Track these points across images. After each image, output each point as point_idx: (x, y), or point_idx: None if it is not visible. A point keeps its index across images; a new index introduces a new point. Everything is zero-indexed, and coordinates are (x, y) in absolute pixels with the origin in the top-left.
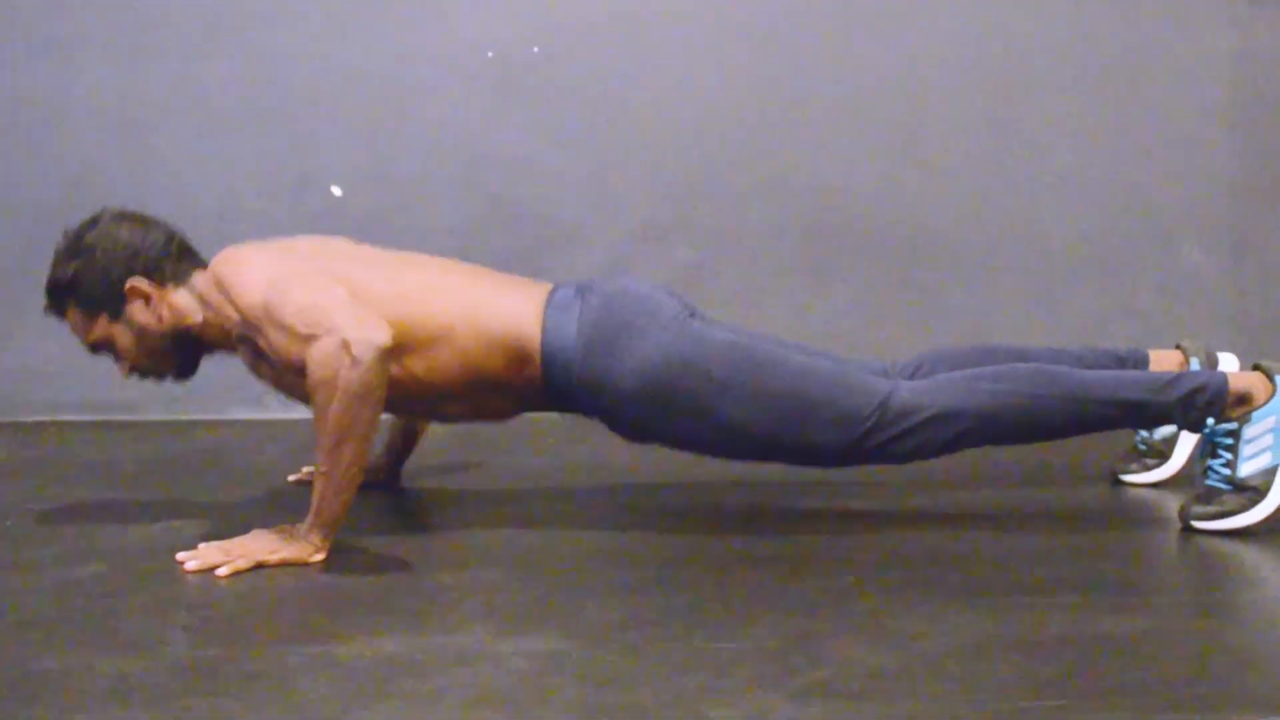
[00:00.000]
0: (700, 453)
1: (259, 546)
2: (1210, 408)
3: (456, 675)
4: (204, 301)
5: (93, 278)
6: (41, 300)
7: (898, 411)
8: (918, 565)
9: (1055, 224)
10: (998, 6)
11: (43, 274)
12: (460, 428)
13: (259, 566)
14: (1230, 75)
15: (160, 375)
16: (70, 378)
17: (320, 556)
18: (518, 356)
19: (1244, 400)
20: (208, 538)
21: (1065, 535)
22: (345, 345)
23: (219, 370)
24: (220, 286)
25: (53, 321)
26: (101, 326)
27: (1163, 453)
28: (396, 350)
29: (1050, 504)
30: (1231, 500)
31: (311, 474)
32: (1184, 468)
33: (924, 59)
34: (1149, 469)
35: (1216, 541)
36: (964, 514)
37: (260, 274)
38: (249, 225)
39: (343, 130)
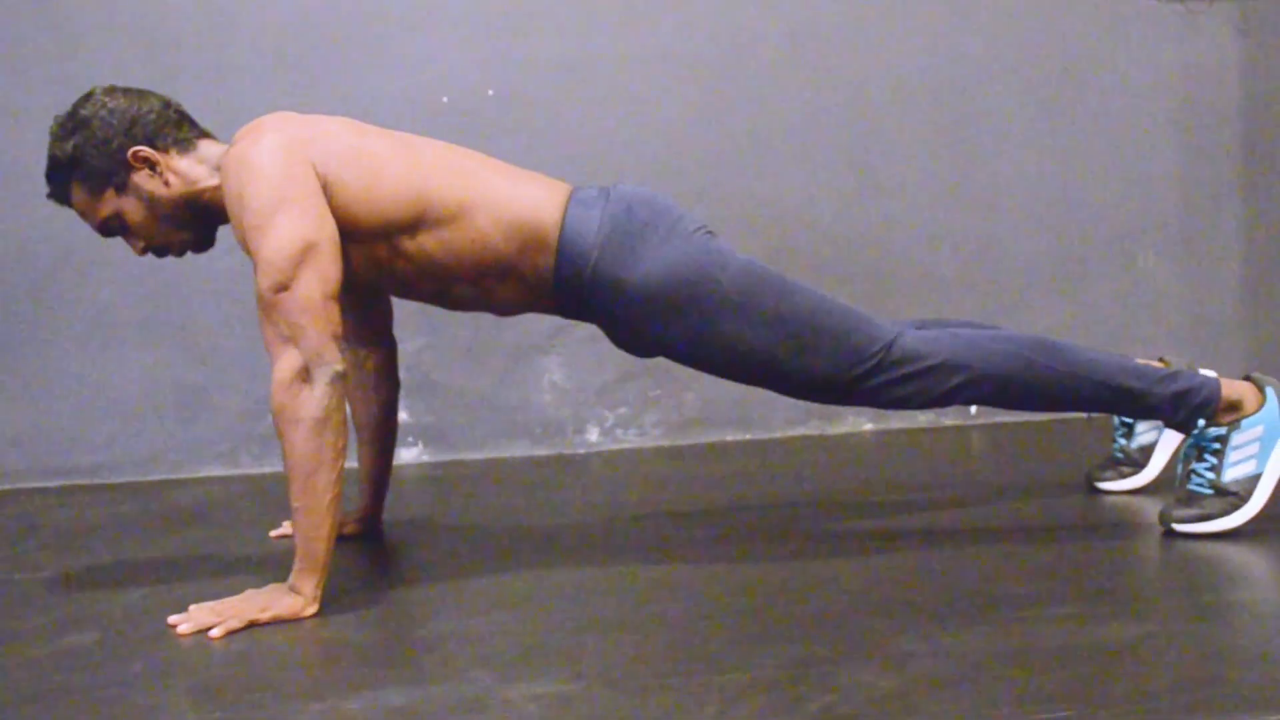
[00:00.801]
0: (695, 366)
1: (250, 606)
2: (1202, 410)
3: None
4: (222, 175)
5: (94, 150)
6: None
7: (900, 355)
8: (907, 584)
9: (1013, 239)
10: (948, 29)
11: None
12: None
13: (251, 625)
14: (1176, 86)
15: (177, 250)
16: (31, 443)
17: (313, 610)
18: (534, 244)
19: (1234, 407)
20: (196, 598)
21: (1049, 546)
22: (304, 371)
23: (188, 431)
24: (234, 187)
25: (6, 387)
26: (110, 202)
27: (1139, 461)
28: (413, 224)
29: (1030, 514)
30: (1213, 504)
31: None
32: (1159, 476)
33: (876, 84)
34: (1125, 477)
35: (1199, 545)
36: (945, 529)
37: (269, 202)
38: (205, 278)
39: None
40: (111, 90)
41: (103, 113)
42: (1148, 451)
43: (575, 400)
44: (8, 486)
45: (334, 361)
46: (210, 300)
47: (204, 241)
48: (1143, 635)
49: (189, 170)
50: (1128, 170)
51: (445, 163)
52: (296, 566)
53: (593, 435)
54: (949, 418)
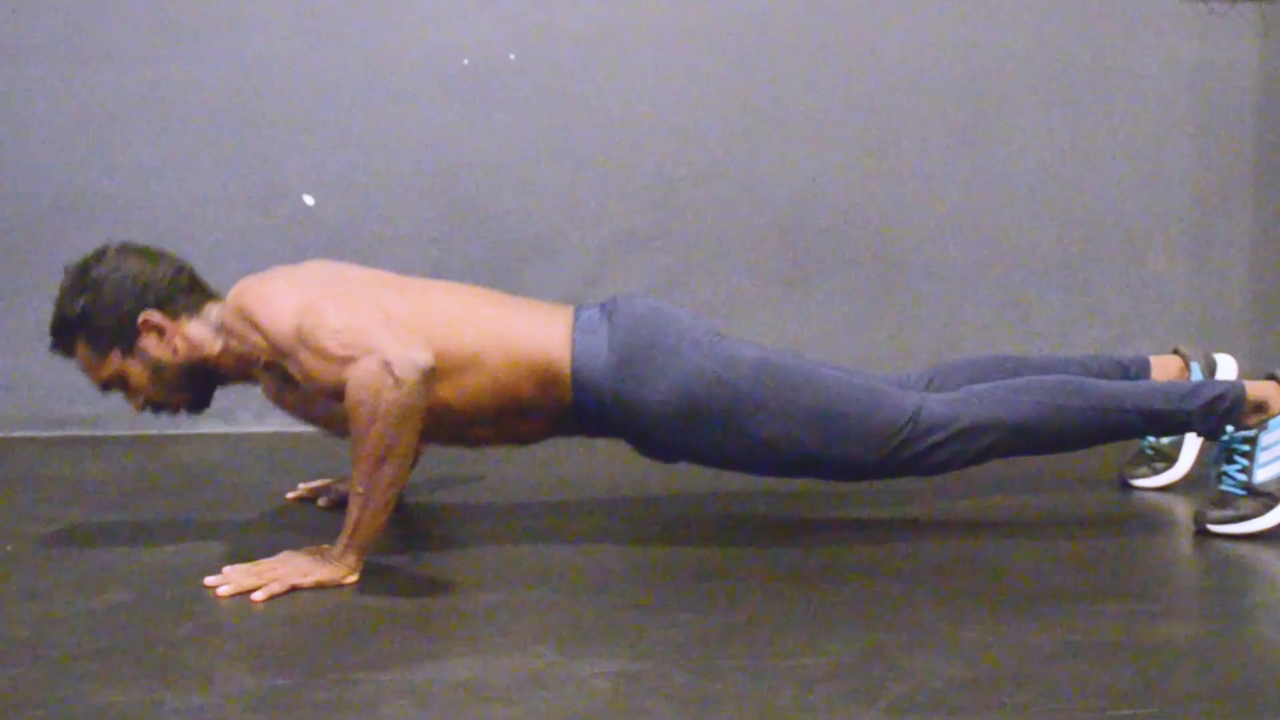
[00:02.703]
0: (731, 469)
1: (292, 569)
2: (1229, 415)
3: (541, 699)
4: (226, 331)
5: (103, 312)
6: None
7: (929, 425)
8: (958, 574)
9: (1025, 232)
10: (968, 21)
11: None
12: None
13: (293, 590)
14: (1191, 84)
15: (174, 409)
16: (25, 391)
17: (354, 579)
18: (548, 380)
19: (1260, 408)
20: (222, 559)
21: (1091, 541)
22: (387, 365)
23: None
24: (244, 315)
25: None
26: (113, 363)
27: (1171, 456)
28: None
29: (1068, 510)
30: (1247, 505)
31: (314, 490)
32: (1191, 470)
33: (896, 72)
34: (1158, 473)
35: (1235, 545)
36: (987, 522)
37: (288, 300)
38: (219, 234)
39: (314, 138)
40: (125, 250)
41: (115, 275)
42: (1178, 445)
43: None
44: (2, 434)
45: (422, 357)
46: (213, 250)
47: (201, 403)
48: (1200, 635)
49: (197, 336)
50: (1140, 167)
51: (452, 310)
52: (344, 540)
53: None
54: None
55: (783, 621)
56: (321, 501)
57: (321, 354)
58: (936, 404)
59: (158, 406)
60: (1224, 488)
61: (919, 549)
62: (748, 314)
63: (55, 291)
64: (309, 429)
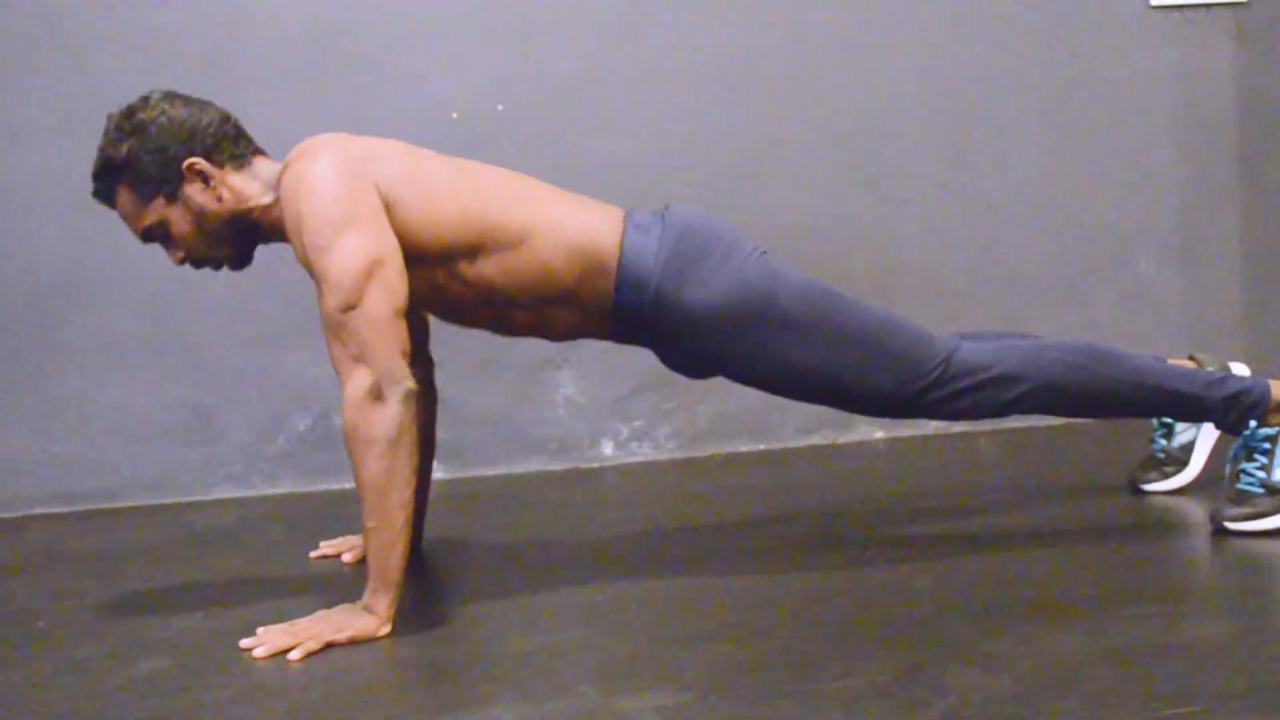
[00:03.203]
0: (756, 385)
1: (326, 626)
2: (1252, 411)
3: None
4: (279, 193)
5: (149, 156)
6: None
7: (960, 368)
8: (980, 586)
9: (1015, 246)
10: (949, 40)
11: None
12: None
13: (328, 647)
14: (1172, 92)
15: (216, 263)
16: (41, 470)
17: (387, 630)
18: (593, 269)
19: None
20: (256, 622)
21: (1110, 546)
22: (375, 389)
23: (198, 452)
24: (294, 205)
25: (14, 412)
26: (157, 209)
27: (1181, 461)
28: (473, 249)
29: (1082, 517)
30: (1265, 502)
31: (337, 548)
32: (1201, 474)
33: (879, 95)
34: (1168, 477)
35: (1253, 544)
36: (1004, 533)
37: (331, 221)
38: (227, 303)
39: None
40: (171, 97)
41: (162, 119)
42: (1188, 449)
43: (589, 414)
44: (20, 513)
45: (405, 379)
46: (218, 319)
47: (244, 259)
48: (1231, 633)
49: (243, 187)
50: (1127, 177)
51: (505, 188)
52: (370, 587)
53: (607, 449)
54: (958, 425)
55: (818, 645)
56: (347, 557)
57: (329, 320)
58: (969, 350)
59: (198, 261)
60: (1241, 486)
61: (939, 564)
62: None
63: (63, 372)
64: (320, 489)
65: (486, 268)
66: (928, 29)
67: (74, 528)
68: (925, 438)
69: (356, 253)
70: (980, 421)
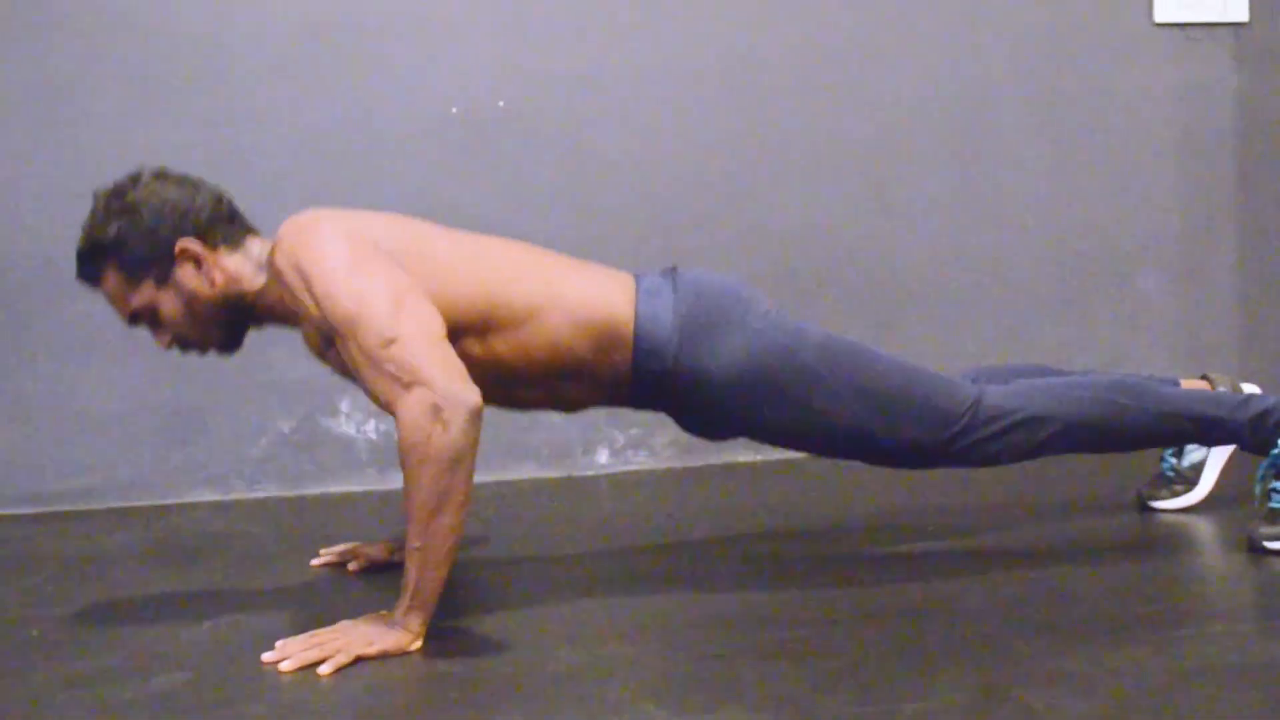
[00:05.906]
0: (782, 444)
1: (354, 638)
2: (1279, 430)
3: None
4: (274, 274)
5: (138, 238)
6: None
7: (990, 414)
8: (1038, 605)
9: (1018, 261)
10: (955, 54)
11: None
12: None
13: (358, 661)
14: (1173, 110)
15: (204, 347)
16: (12, 468)
17: (418, 645)
18: (608, 342)
19: None
20: (268, 632)
21: (1143, 564)
22: (435, 409)
23: (177, 454)
24: (298, 268)
25: None
26: (145, 293)
27: (1190, 479)
28: (482, 327)
29: (1104, 535)
30: None
31: (341, 555)
32: (1211, 492)
33: (885, 106)
34: (1178, 495)
35: None
36: (1035, 551)
37: (343, 269)
38: None
39: (304, 189)
40: (163, 176)
41: (154, 200)
42: (1198, 468)
43: (584, 421)
44: None
45: (469, 395)
46: None
47: (234, 342)
48: None
49: (236, 269)
50: (1127, 193)
51: (511, 262)
52: (405, 603)
53: (602, 457)
54: None
55: (884, 664)
56: (352, 566)
57: (372, 362)
58: (995, 394)
59: (186, 344)
60: (1274, 505)
61: (987, 581)
62: None
63: (39, 364)
64: (303, 493)
65: (496, 345)
66: (933, 45)
67: (47, 529)
68: None
69: (378, 289)
70: None
